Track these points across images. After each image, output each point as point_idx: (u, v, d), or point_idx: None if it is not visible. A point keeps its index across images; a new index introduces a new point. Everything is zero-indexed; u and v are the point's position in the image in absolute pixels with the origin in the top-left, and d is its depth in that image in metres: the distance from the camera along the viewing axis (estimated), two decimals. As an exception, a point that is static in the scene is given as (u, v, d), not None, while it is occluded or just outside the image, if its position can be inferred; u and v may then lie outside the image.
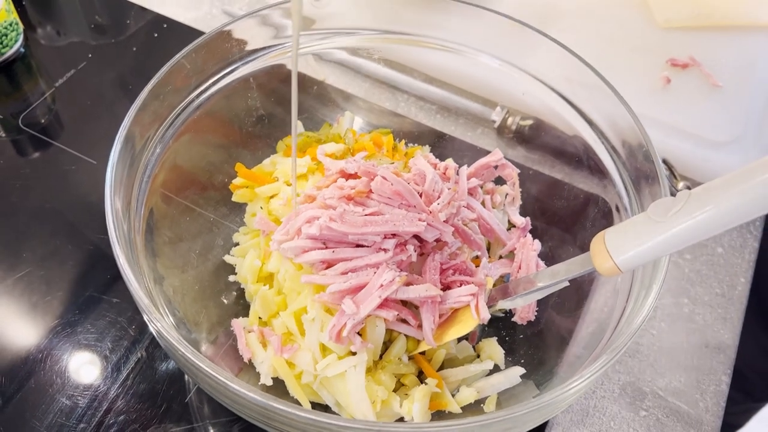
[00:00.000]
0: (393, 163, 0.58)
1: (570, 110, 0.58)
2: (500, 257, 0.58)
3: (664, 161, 0.68)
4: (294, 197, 0.50)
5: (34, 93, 0.77)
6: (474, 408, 0.50)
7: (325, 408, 0.51)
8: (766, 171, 0.36)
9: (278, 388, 0.50)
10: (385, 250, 0.48)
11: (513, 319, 0.56)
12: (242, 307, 0.56)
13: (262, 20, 0.60)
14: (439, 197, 0.51)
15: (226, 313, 0.55)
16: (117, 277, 0.61)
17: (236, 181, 0.60)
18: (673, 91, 0.76)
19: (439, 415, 0.50)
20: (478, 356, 0.54)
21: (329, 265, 0.49)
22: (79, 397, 0.54)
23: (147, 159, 0.52)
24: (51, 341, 0.57)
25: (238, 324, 0.53)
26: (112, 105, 0.76)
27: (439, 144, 0.70)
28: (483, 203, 0.59)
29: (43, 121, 0.74)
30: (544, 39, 0.57)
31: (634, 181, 0.52)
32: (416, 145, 0.68)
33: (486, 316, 0.48)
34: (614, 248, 0.42)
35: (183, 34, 0.83)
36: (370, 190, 0.50)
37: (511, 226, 0.61)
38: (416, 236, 0.50)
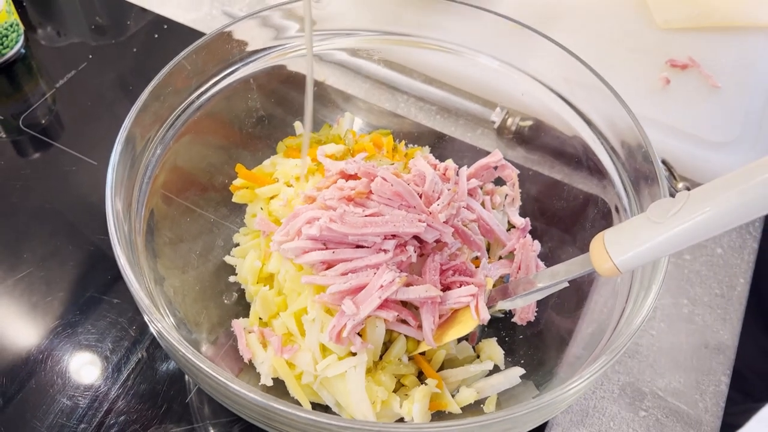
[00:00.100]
0: (393, 164, 0.58)
1: (569, 111, 0.58)
2: (500, 258, 0.59)
3: (664, 162, 0.68)
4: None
5: (34, 94, 0.77)
6: (474, 408, 0.50)
7: (325, 408, 0.51)
8: (766, 171, 0.37)
9: (278, 388, 0.50)
10: (385, 250, 0.48)
11: (513, 320, 0.56)
12: (242, 307, 0.56)
13: (262, 21, 0.60)
14: (438, 198, 0.51)
15: (226, 314, 0.55)
16: (117, 277, 0.61)
17: (236, 182, 0.60)
18: (673, 92, 0.76)
19: (439, 415, 0.50)
20: (478, 357, 0.54)
21: (329, 265, 0.49)
22: (80, 398, 0.54)
23: (147, 160, 0.52)
24: (52, 342, 0.57)
25: (238, 324, 0.53)
26: (113, 106, 0.76)
27: (439, 145, 0.70)
28: (483, 204, 0.59)
29: (43, 121, 0.74)
30: (543, 40, 0.57)
31: (634, 181, 0.52)
32: (416, 145, 0.68)
33: (486, 316, 0.48)
34: (614, 249, 0.42)
35: (183, 35, 0.83)
36: (370, 191, 0.51)
37: (511, 226, 0.61)
38: (416, 237, 0.50)
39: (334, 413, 0.50)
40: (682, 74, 0.77)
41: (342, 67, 0.72)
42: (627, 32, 0.82)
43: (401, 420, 0.49)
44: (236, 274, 0.58)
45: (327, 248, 0.49)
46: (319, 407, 0.51)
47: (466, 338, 0.54)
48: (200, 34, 0.56)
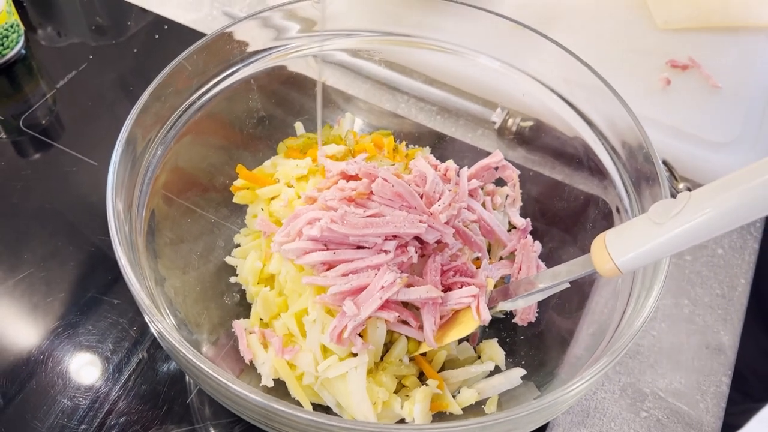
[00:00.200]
0: (394, 164, 0.58)
1: (570, 111, 0.58)
2: (501, 258, 0.59)
3: (664, 162, 0.68)
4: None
5: (35, 94, 0.77)
6: (475, 409, 0.50)
7: (326, 409, 0.51)
8: (767, 172, 0.36)
9: (279, 389, 0.50)
10: (386, 251, 0.48)
11: (514, 321, 0.56)
12: (243, 308, 0.56)
13: (262, 22, 0.60)
14: (439, 199, 0.51)
15: (227, 315, 0.55)
16: (118, 278, 0.61)
17: (237, 183, 0.60)
18: (673, 93, 0.76)
19: (439, 416, 0.50)
20: (479, 357, 0.54)
21: (330, 266, 0.49)
22: (81, 399, 0.54)
23: (148, 161, 0.52)
24: (52, 342, 0.57)
25: (239, 325, 0.53)
26: (113, 106, 0.76)
27: (440, 145, 0.70)
28: (483, 204, 0.59)
29: (44, 122, 0.74)
30: (544, 40, 0.57)
31: (635, 182, 0.52)
32: (417, 146, 0.68)
33: (487, 317, 0.48)
34: (615, 250, 0.42)
35: (183, 35, 0.83)
36: (371, 192, 0.51)
37: (512, 227, 0.61)
38: (417, 238, 0.50)
39: (335, 414, 0.50)
40: (682, 75, 0.77)
41: (342, 68, 0.72)
42: (627, 33, 0.82)
43: (402, 421, 0.49)
44: (237, 275, 0.58)
45: (328, 249, 0.49)
46: (320, 408, 0.51)
47: (467, 339, 0.54)
48: (201, 35, 0.56)
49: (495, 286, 0.53)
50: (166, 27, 0.84)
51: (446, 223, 0.51)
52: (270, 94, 0.64)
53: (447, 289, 0.51)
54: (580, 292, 0.53)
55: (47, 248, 0.63)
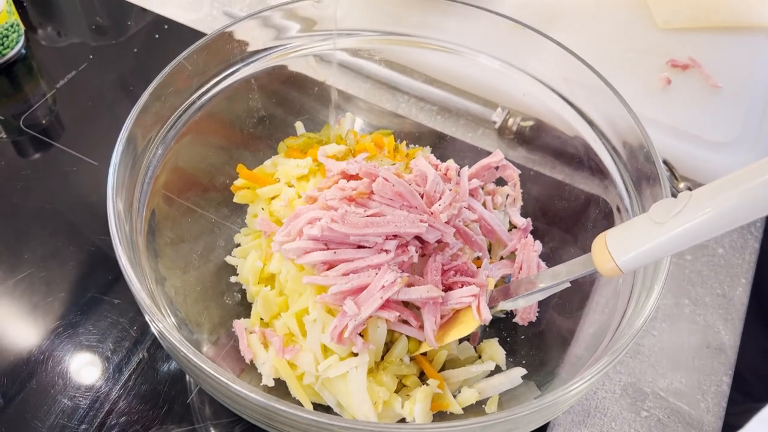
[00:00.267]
0: (394, 164, 0.58)
1: (571, 111, 0.58)
2: (501, 258, 0.58)
3: (665, 162, 0.68)
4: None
5: (35, 94, 0.77)
6: (475, 409, 0.50)
7: (326, 409, 0.51)
8: (767, 172, 0.36)
9: (280, 389, 0.50)
10: (386, 251, 0.48)
11: (514, 320, 0.56)
12: (244, 308, 0.56)
13: (263, 22, 0.60)
14: (440, 198, 0.51)
15: (227, 314, 0.55)
16: (118, 278, 0.61)
17: (237, 182, 0.60)
18: (673, 92, 0.76)
19: (440, 416, 0.50)
20: (480, 357, 0.54)
21: (331, 266, 0.49)
22: (81, 398, 0.54)
23: (149, 160, 0.52)
24: (52, 342, 0.57)
25: (239, 325, 0.53)
26: (113, 106, 0.76)
27: (440, 145, 0.70)
28: (484, 204, 0.59)
29: (44, 122, 0.74)
30: (544, 40, 0.57)
31: (635, 181, 0.52)
32: (417, 146, 0.68)
33: (487, 317, 0.48)
34: (616, 249, 0.42)
35: (184, 35, 0.83)
36: (372, 191, 0.51)
37: (512, 227, 0.61)
38: (418, 237, 0.50)
39: (336, 414, 0.50)
40: (682, 74, 0.77)
41: (343, 68, 0.72)
42: (627, 32, 0.82)
43: (403, 420, 0.49)
44: (237, 275, 0.58)
45: (328, 248, 0.49)
46: (321, 408, 0.51)
47: (467, 339, 0.54)
48: (201, 35, 0.56)
49: (495, 286, 0.53)
50: (166, 27, 0.84)
51: (447, 222, 0.51)
52: (270, 93, 0.64)
53: (447, 288, 0.51)
54: (580, 291, 0.53)
55: (47, 248, 0.63)
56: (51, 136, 0.73)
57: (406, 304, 0.50)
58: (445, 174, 0.56)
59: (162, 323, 0.41)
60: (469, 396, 0.50)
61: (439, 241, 0.51)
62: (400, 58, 0.74)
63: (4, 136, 0.73)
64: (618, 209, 0.54)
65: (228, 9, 0.87)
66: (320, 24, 0.63)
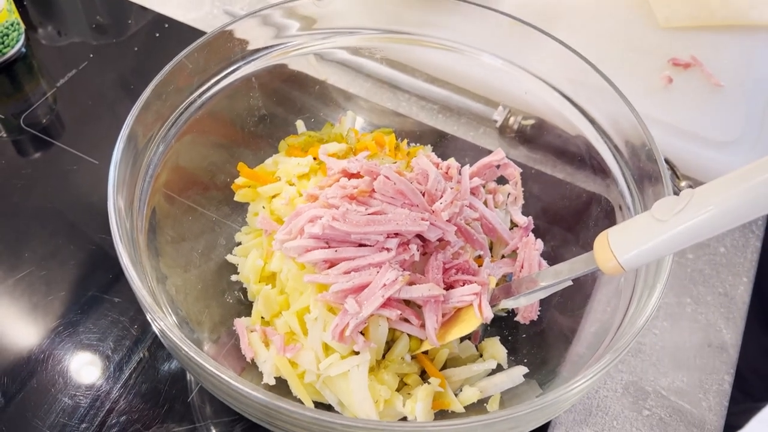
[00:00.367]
0: (395, 162, 0.58)
1: (572, 110, 0.58)
2: (503, 257, 0.58)
3: (666, 161, 0.67)
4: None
5: (35, 93, 0.77)
6: (477, 407, 0.50)
7: (327, 408, 0.50)
8: (770, 170, 0.36)
9: (281, 387, 0.50)
10: (387, 249, 0.48)
11: (516, 319, 0.56)
12: (245, 306, 0.56)
13: (263, 20, 0.60)
14: (441, 196, 0.51)
15: (228, 313, 0.55)
16: (119, 276, 0.61)
17: (238, 181, 0.60)
18: (675, 91, 0.76)
19: (442, 414, 0.50)
20: (481, 356, 0.54)
21: (332, 264, 0.49)
22: (82, 397, 0.54)
23: (149, 158, 0.52)
24: (53, 341, 0.57)
25: (240, 323, 0.53)
26: (114, 105, 0.76)
27: (441, 144, 0.70)
28: (485, 203, 0.58)
29: (44, 121, 0.74)
30: (546, 38, 0.57)
31: (637, 180, 0.52)
32: (418, 144, 0.68)
33: (489, 315, 0.48)
34: (618, 247, 0.42)
35: (184, 34, 0.83)
36: (373, 190, 0.50)
37: (514, 225, 0.61)
38: (419, 235, 0.50)
39: (337, 412, 0.50)
40: (684, 73, 0.77)
41: (343, 66, 0.72)
42: (629, 31, 0.82)
43: (404, 419, 0.49)
44: (238, 273, 0.57)
45: (329, 247, 0.49)
46: (322, 406, 0.51)
47: (468, 337, 0.54)
48: (201, 33, 0.56)
49: (497, 284, 0.53)
50: (166, 26, 0.84)
51: (448, 220, 0.50)
52: (271, 92, 0.64)
53: (449, 287, 0.51)
54: (582, 290, 0.53)
55: (48, 247, 0.63)
56: (51, 135, 0.72)
57: (408, 303, 0.50)
58: (446, 172, 0.56)
59: (163, 321, 0.41)
60: (470, 395, 0.50)
61: (440, 240, 0.51)
62: (401, 57, 0.74)
63: (5, 135, 0.72)
64: (620, 208, 0.54)
65: (228, 8, 0.87)
66: (320, 22, 0.63)
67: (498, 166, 0.60)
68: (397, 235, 0.49)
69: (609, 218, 0.55)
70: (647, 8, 0.84)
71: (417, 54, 0.72)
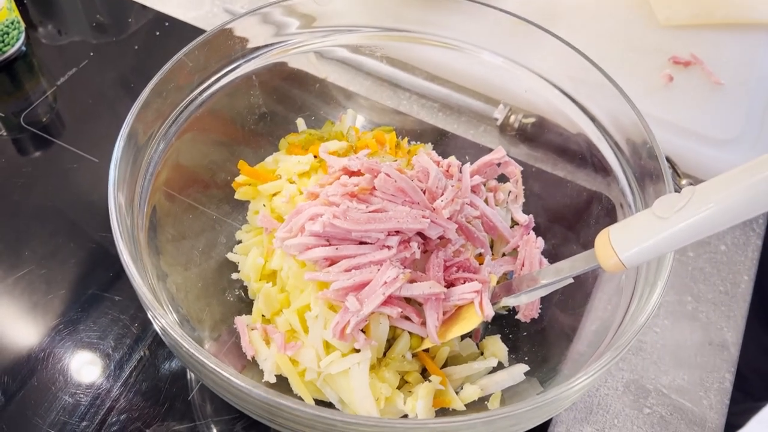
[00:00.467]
0: (396, 160, 0.58)
1: (573, 108, 0.58)
2: (503, 255, 0.58)
3: (667, 159, 0.67)
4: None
5: (35, 91, 0.77)
6: (478, 405, 0.50)
7: (328, 405, 0.50)
8: (771, 167, 0.36)
9: (281, 385, 0.50)
10: (388, 247, 0.48)
11: (516, 317, 0.55)
12: (245, 304, 0.56)
13: (263, 18, 0.60)
14: (442, 194, 0.51)
15: (229, 311, 0.55)
16: (119, 274, 0.61)
17: (239, 179, 0.59)
18: (675, 89, 0.76)
19: (442, 412, 0.50)
20: (482, 354, 0.54)
21: (332, 262, 0.49)
22: (82, 395, 0.54)
23: (150, 156, 0.52)
24: (53, 339, 0.57)
25: (241, 321, 0.53)
26: (114, 103, 0.76)
27: (442, 142, 0.69)
28: (486, 201, 0.58)
29: (44, 119, 0.74)
30: (547, 36, 0.57)
31: (638, 178, 0.52)
32: (419, 143, 0.67)
33: (490, 313, 0.48)
34: (619, 244, 0.42)
35: (184, 32, 0.83)
36: (374, 187, 0.50)
37: (514, 223, 0.60)
38: (420, 233, 0.50)
39: (338, 410, 0.50)
40: (684, 71, 0.77)
41: (344, 65, 0.72)
42: (629, 30, 0.82)
43: (405, 417, 0.49)
44: (239, 271, 0.57)
45: (330, 245, 0.49)
46: (323, 404, 0.50)
47: (469, 335, 0.54)
48: (201, 32, 0.56)
49: (498, 283, 0.53)
50: (166, 24, 0.84)
51: (449, 218, 0.50)
52: (271, 90, 0.64)
53: (450, 285, 0.50)
54: (583, 288, 0.53)
55: (48, 245, 0.63)
56: (52, 134, 0.72)
57: (409, 301, 0.50)
58: (447, 171, 0.56)
59: (164, 319, 0.41)
60: (471, 392, 0.50)
61: (441, 238, 0.51)
62: (402, 55, 0.74)
63: (5, 133, 0.72)
64: (621, 206, 0.54)
65: (228, 6, 0.87)
66: (320, 20, 0.63)
67: (499, 164, 0.60)
68: (397, 232, 0.49)
69: (610, 216, 0.55)
70: (647, 8, 0.84)
71: (417, 52, 0.72)
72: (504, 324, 0.56)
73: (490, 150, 0.60)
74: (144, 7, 0.87)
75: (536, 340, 0.55)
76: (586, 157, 0.58)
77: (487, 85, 0.73)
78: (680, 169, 0.67)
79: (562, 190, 0.61)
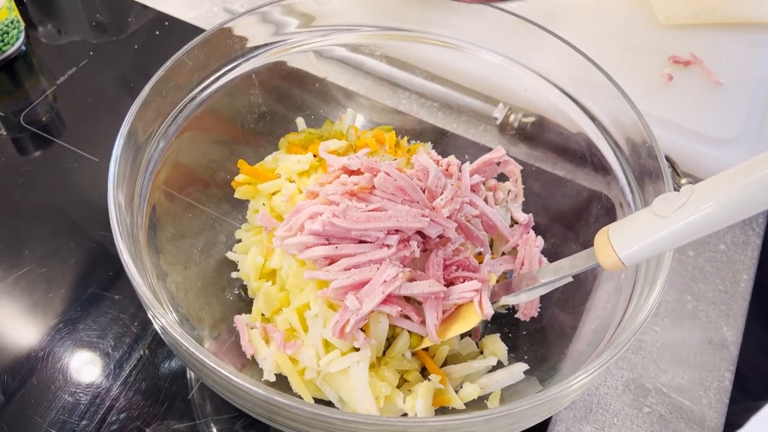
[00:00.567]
0: (395, 159, 0.58)
1: (573, 107, 0.58)
2: (503, 254, 0.58)
3: (667, 158, 0.67)
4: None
5: (35, 91, 0.77)
6: (477, 404, 0.50)
7: (328, 404, 0.50)
8: (770, 165, 0.36)
9: (281, 384, 0.50)
10: (388, 245, 0.48)
11: (516, 316, 0.55)
12: (245, 303, 0.56)
13: (262, 17, 0.60)
14: (442, 193, 0.51)
15: (228, 310, 0.55)
16: (119, 274, 0.61)
17: (238, 178, 0.59)
18: (675, 89, 0.76)
19: (442, 411, 0.50)
20: (482, 352, 0.54)
21: (332, 261, 0.49)
22: (82, 394, 0.54)
23: (149, 155, 0.52)
24: (53, 339, 0.57)
25: (240, 320, 0.53)
26: (114, 103, 0.76)
27: (441, 141, 0.70)
28: (485, 200, 0.58)
29: (44, 118, 0.74)
30: (546, 36, 0.57)
31: (638, 177, 0.52)
32: (418, 142, 0.67)
33: (489, 312, 0.48)
34: (618, 243, 0.42)
35: (184, 31, 0.83)
36: (373, 186, 0.50)
37: (514, 222, 0.60)
38: (419, 232, 0.50)
39: (337, 409, 0.50)
40: (684, 71, 0.77)
41: (343, 64, 0.72)
42: (629, 29, 0.82)
43: (404, 416, 0.49)
44: (238, 270, 0.57)
45: (330, 243, 0.49)
46: (322, 403, 0.51)
47: (469, 334, 0.54)
48: (201, 31, 0.56)
49: (497, 281, 0.53)
50: (166, 24, 0.84)
51: (448, 217, 0.50)
52: (271, 89, 0.64)
53: (449, 283, 0.50)
54: (582, 287, 0.53)
55: (48, 245, 0.63)
56: (52, 133, 0.72)
57: (408, 299, 0.50)
58: (447, 170, 0.56)
59: (164, 318, 0.41)
60: (470, 391, 0.50)
61: (440, 236, 0.51)
62: (401, 54, 0.74)
63: (5, 132, 0.72)
64: (620, 205, 0.54)
65: (228, 5, 0.87)
66: (320, 19, 0.63)
67: (498, 164, 0.60)
68: (397, 231, 0.49)
69: (609, 215, 0.55)
70: (647, 8, 0.84)
71: (417, 51, 0.72)
72: (503, 323, 0.56)
73: (490, 149, 0.61)
74: (144, 6, 0.87)
75: (536, 338, 0.55)
76: (586, 157, 0.58)
77: (486, 85, 0.73)
78: (680, 169, 0.67)
79: (561, 190, 0.61)
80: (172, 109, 0.55)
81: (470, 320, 0.49)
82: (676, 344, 0.60)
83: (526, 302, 0.54)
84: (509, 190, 0.61)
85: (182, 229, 0.57)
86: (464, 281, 0.50)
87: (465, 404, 0.50)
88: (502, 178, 0.62)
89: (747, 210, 0.38)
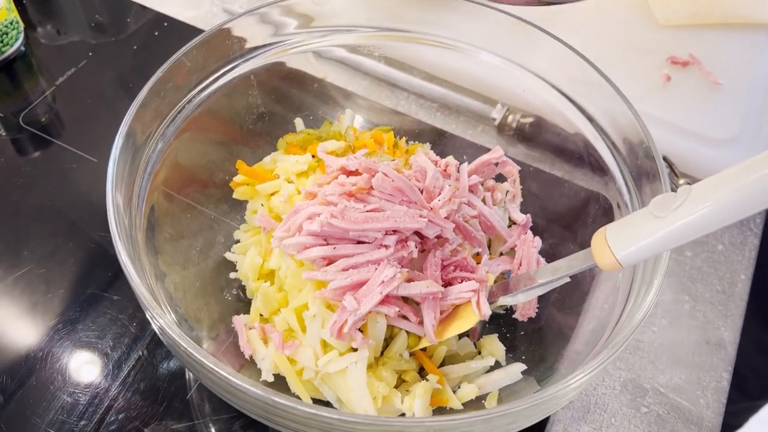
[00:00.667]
0: (394, 160, 0.58)
1: (571, 107, 0.58)
2: (501, 254, 0.58)
3: (664, 158, 0.68)
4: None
5: (34, 91, 0.77)
6: (475, 404, 0.50)
7: (326, 404, 0.50)
8: (767, 166, 0.36)
9: (279, 384, 0.50)
10: (386, 246, 0.48)
11: (514, 316, 0.56)
12: (243, 303, 0.56)
13: (261, 18, 0.60)
14: (440, 194, 0.51)
15: (227, 310, 0.55)
16: (118, 274, 0.61)
17: (237, 179, 0.60)
18: (673, 89, 0.76)
19: (440, 411, 0.50)
20: (479, 353, 0.54)
21: (330, 261, 0.49)
22: (80, 395, 0.54)
23: (148, 155, 0.52)
24: (52, 339, 0.57)
25: (239, 321, 0.53)
26: (113, 103, 0.76)
27: (440, 142, 0.70)
28: (483, 200, 0.59)
29: (43, 119, 0.74)
30: (544, 36, 0.57)
31: (635, 178, 0.52)
32: (416, 142, 0.68)
33: (487, 312, 0.48)
34: (615, 243, 0.42)
35: (183, 32, 0.83)
36: (371, 187, 0.51)
37: (512, 223, 0.61)
38: (417, 233, 0.50)
39: (335, 409, 0.50)
40: (682, 71, 0.77)
41: (342, 65, 0.72)
42: (627, 30, 0.82)
43: (402, 416, 0.49)
44: (237, 271, 0.58)
45: (328, 244, 0.49)
46: (320, 403, 0.51)
47: (467, 334, 0.54)
48: (200, 32, 0.56)
49: (495, 282, 0.53)
50: (165, 24, 0.84)
51: (446, 218, 0.51)
52: (269, 90, 0.64)
53: (447, 284, 0.51)
54: (580, 287, 0.53)
55: (47, 245, 0.63)
56: (51, 134, 0.72)
57: (406, 300, 0.50)
58: (445, 170, 0.56)
59: (162, 319, 0.41)
60: (468, 391, 0.50)
61: (438, 237, 0.51)
62: (400, 55, 0.74)
63: (4, 133, 0.73)
64: (618, 205, 0.54)
65: (227, 6, 0.87)
66: (318, 20, 0.63)
67: (496, 164, 0.60)
68: (395, 232, 0.49)
69: (607, 216, 0.55)
70: (646, 8, 0.84)
71: (415, 52, 0.72)
72: (501, 323, 0.56)
73: (488, 150, 0.61)
74: (143, 7, 0.87)
75: (533, 339, 0.55)
76: (584, 157, 0.58)
77: (485, 85, 0.73)
78: (678, 169, 0.67)
79: (559, 190, 0.61)
80: (170, 110, 0.55)
81: (468, 320, 0.49)
82: (674, 344, 0.60)
83: (523, 302, 0.54)
84: (507, 191, 0.61)
85: (181, 230, 0.57)
86: (462, 282, 0.50)
87: (463, 404, 0.50)
88: (501, 178, 0.62)
89: (744, 210, 0.38)
